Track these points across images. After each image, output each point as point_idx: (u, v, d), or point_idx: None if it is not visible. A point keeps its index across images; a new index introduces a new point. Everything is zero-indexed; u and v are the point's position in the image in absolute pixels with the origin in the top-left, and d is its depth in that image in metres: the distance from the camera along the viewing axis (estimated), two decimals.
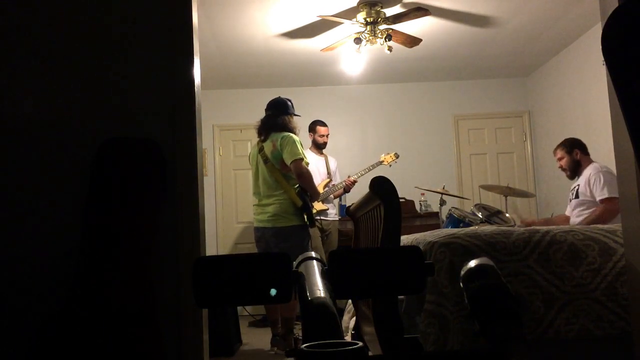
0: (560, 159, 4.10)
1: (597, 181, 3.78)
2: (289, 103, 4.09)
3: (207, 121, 5.11)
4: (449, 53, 5.66)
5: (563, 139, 4.26)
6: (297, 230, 3.88)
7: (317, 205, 4.51)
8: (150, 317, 2.04)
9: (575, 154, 4.02)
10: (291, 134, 3.92)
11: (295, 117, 4.14)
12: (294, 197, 3.87)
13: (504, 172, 6.56)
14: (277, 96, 4.19)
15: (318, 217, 4.76)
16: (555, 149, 4.16)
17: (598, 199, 3.75)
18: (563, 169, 4.12)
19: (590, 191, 3.82)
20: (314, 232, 4.53)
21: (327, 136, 5.13)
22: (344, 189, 4.91)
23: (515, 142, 6.68)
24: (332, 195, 4.93)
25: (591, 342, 2.47)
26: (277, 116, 4.01)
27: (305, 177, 3.85)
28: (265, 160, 3.97)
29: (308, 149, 5.17)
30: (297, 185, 3.89)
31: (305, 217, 3.89)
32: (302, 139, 4.26)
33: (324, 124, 5.14)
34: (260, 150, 4.03)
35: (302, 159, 3.83)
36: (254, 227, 4.12)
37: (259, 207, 4.03)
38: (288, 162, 3.83)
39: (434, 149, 6.60)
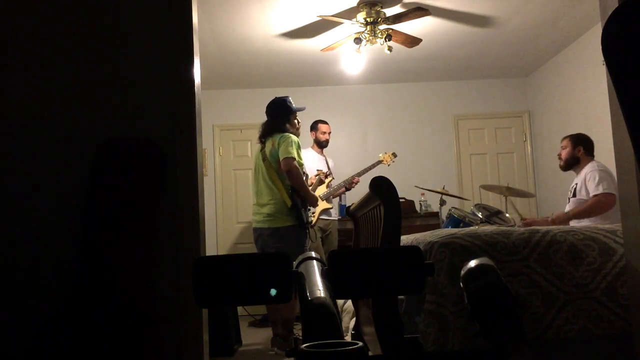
0: (563, 148, 4.14)
1: (592, 178, 3.82)
2: (288, 104, 4.07)
3: (207, 121, 5.11)
4: (449, 53, 5.66)
5: (579, 133, 4.27)
6: (293, 231, 3.88)
7: (322, 204, 4.51)
8: (150, 317, 2.04)
9: (577, 150, 4.05)
10: (291, 135, 3.93)
11: (298, 114, 4.13)
12: (285, 198, 3.87)
13: (504, 172, 6.56)
14: (274, 97, 4.17)
15: (322, 217, 4.75)
16: (564, 138, 4.19)
17: (592, 194, 3.78)
18: (560, 158, 4.16)
19: (586, 188, 3.85)
20: (313, 232, 4.53)
21: (329, 134, 5.15)
22: (346, 187, 4.91)
23: (515, 142, 6.68)
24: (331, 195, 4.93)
25: (591, 342, 2.47)
26: (278, 123, 4.00)
27: (294, 175, 3.85)
28: (264, 158, 3.98)
29: (310, 148, 5.18)
30: (290, 185, 3.91)
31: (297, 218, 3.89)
32: (303, 137, 4.26)
33: (324, 122, 5.18)
34: (262, 149, 4.05)
35: (294, 158, 3.83)
36: (252, 227, 4.13)
37: (256, 206, 4.05)
38: (280, 158, 3.83)
39: (434, 149, 6.60)
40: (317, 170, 4.67)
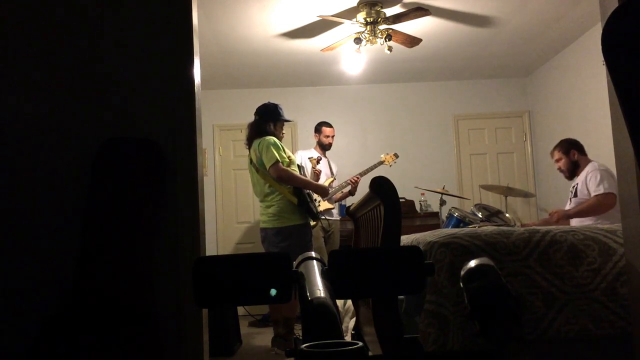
0: (557, 161, 4.11)
1: (593, 178, 3.81)
2: (279, 110, 4.06)
3: (207, 121, 5.12)
4: (449, 53, 5.66)
5: (561, 139, 4.26)
6: (297, 229, 3.89)
7: (323, 205, 4.50)
8: (150, 317, 2.04)
9: (572, 155, 4.03)
10: (266, 138, 3.90)
11: (285, 121, 4.14)
12: (289, 197, 3.88)
13: (504, 172, 6.56)
14: (267, 102, 4.17)
15: (323, 217, 4.75)
16: (552, 151, 4.17)
17: (593, 194, 3.77)
18: (561, 171, 4.14)
19: (587, 188, 3.84)
20: (316, 232, 4.53)
21: (332, 137, 5.15)
22: (350, 191, 4.92)
23: (515, 142, 6.68)
24: (334, 197, 4.93)
25: (591, 342, 2.47)
26: (263, 122, 4.00)
27: (285, 178, 3.85)
28: (257, 169, 3.98)
29: (312, 149, 5.18)
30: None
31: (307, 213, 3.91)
32: (307, 139, 4.24)
33: (329, 125, 5.16)
34: (251, 161, 4.06)
35: (277, 161, 3.81)
36: (259, 228, 4.14)
37: (262, 208, 4.07)
38: (267, 167, 3.84)
39: (434, 149, 6.60)
40: (309, 158, 4.62)
